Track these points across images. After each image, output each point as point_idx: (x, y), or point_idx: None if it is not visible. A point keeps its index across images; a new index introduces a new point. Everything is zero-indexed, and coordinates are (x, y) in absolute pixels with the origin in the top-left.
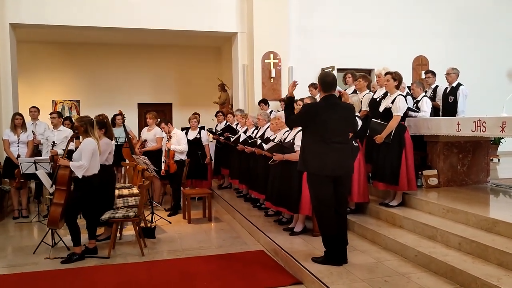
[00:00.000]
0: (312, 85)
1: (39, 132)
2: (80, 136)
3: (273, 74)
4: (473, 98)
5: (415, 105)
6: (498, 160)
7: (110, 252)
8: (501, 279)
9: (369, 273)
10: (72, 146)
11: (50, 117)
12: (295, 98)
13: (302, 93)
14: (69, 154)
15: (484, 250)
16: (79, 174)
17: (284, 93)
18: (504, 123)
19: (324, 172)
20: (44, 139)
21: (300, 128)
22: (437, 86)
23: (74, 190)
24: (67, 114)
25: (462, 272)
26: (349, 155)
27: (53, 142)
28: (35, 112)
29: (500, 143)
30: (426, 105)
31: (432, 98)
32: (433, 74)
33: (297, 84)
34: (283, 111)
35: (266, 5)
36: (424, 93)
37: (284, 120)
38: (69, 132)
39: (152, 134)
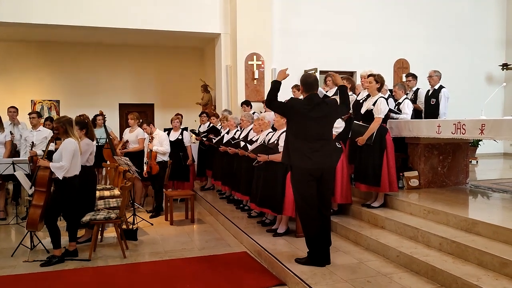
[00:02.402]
0: (295, 87)
1: (18, 132)
2: (61, 137)
3: (256, 76)
4: (452, 101)
5: (396, 107)
6: (477, 162)
7: (91, 254)
8: (480, 278)
9: (352, 274)
10: (52, 146)
11: (29, 117)
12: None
13: (285, 94)
14: (49, 155)
15: (464, 250)
16: (60, 175)
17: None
18: (483, 125)
19: (306, 167)
20: (22, 140)
21: (285, 129)
22: (418, 89)
23: (54, 191)
24: (46, 114)
25: (443, 272)
26: (330, 152)
27: (32, 142)
28: (14, 112)
29: (479, 145)
30: (407, 107)
31: (413, 100)
32: (414, 77)
33: (288, 74)
34: (266, 113)
35: (249, 6)
36: (405, 96)
37: (266, 102)
38: (48, 133)
39: (134, 135)
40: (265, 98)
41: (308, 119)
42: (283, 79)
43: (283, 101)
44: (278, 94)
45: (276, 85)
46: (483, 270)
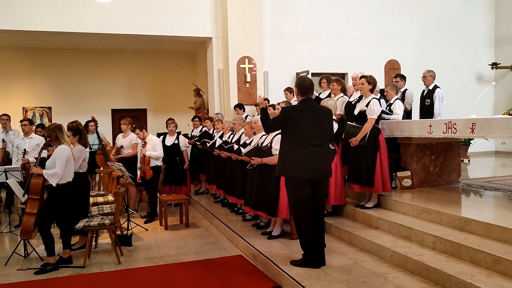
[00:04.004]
0: (287, 89)
1: (10, 140)
2: (53, 144)
3: (248, 79)
4: (444, 100)
5: (388, 108)
6: (469, 160)
7: (85, 261)
8: (474, 276)
9: (346, 275)
10: (44, 153)
11: (21, 125)
12: (272, 103)
13: (277, 97)
14: (41, 162)
15: (458, 249)
16: (53, 182)
17: None
18: (474, 124)
19: (302, 175)
20: (14, 147)
21: (277, 132)
22: (405, 90)
23: (47, 198)
24: (38, 121)
25: (437, 270)
26: (326, 157)
27: (24, 150)
28: (7, 120)
29: (470, 144)
30: (398, 108)
31: (401, 101)
32: (402, 78)
33: (263, 98)
34: (259, 116)
35: (240, 10)
36: (396, 96)
37: (263, 129)
38: (40, 140)
39: (127, 141)
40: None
41: (302, 124)
42: (260, 103)
43: (278, 107)
44: (272, 99)
45: (263, 111)
46: (476, 268)
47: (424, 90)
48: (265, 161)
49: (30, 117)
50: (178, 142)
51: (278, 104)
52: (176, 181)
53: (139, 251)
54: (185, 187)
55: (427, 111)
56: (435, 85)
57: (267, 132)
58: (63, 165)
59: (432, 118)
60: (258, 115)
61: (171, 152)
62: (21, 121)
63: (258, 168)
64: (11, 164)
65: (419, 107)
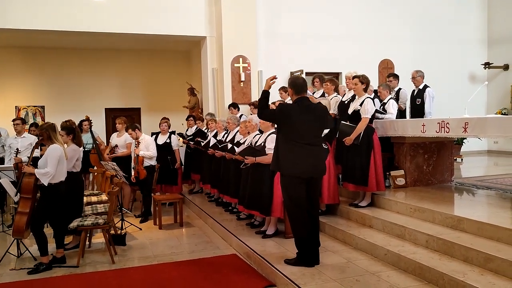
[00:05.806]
0: (282, 89)
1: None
2: (45, 144)
3: (242, 78)
4: (436, 100)
5: (381, 107)
6: (462, 159)
7: (79, 261)
8: (466, 274)
9: (340, 273)
10: (37, 153)
11: (14, 124)
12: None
13: (272, 97)
14: (34, 161)
15: (450, 247)
16: (45, 181)
17: (254, 97)
18: (466, 124)
19: (297, 173)
20: (7, 147)
21: (271, 131)
22: (399, 89)
23: (40, 198)
24: (31, 120)
25: (430, 269)
26: (322, 156)
27: (17, 149)
28: None
29: (463, 143)
30: (392, 107)
31: (395, 100)
32: (396, 77)
33: (277, 78)
34: (253, 115)
35: (234, 9)
36: (390, 96)
37: (257, 113)
38: (33, 139)
39: (122, 140)
40: (257, 106)
41: (298, 123)
42: (269, 87)
43: (273, 107)
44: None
45: (264, 95)
46: (468, 266)
47: (414, 90)
48: (258, 160)
49: (23, 116)
50: (170, 141)
51: (273, 103)
52: (167, 180)
53: (133, 251)
54: (176, 186)
55: (418, 110)
56: (425, 84)
57: (260, 117)
58: (55, 164)
59: (423, 117)
60: (252, 114)
61: (163, 151)
62: (13, 120)
63: (251, 167)
64: (3, 164)
65: (410, 107)
